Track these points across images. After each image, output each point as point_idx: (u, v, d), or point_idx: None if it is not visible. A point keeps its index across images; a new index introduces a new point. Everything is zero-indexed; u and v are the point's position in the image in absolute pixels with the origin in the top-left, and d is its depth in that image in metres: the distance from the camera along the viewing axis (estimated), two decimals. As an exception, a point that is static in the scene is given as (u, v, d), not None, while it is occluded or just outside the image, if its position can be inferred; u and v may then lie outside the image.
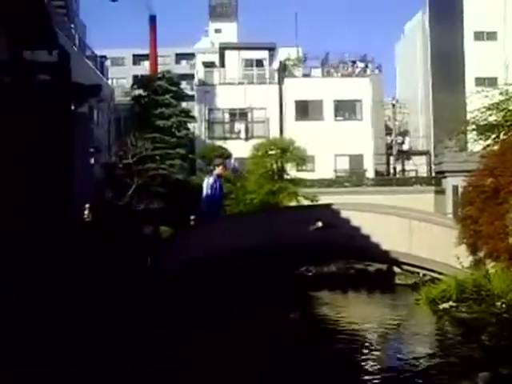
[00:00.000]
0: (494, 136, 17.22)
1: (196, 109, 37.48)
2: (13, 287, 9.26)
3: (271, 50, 38.79)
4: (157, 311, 11.71)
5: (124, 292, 12.03)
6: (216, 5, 56.62)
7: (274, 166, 26.88)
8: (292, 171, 27.27)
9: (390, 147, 42.76)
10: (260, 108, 36.25)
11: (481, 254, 13.40)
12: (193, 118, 35.64)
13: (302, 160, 27.33)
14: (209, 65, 40.19)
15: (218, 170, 18.66)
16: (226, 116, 36.90)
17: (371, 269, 22.60)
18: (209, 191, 18.16)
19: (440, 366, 9.93)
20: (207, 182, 18.34)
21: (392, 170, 41.65)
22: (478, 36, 39.11)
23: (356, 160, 35.59)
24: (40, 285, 9.87)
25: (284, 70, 37.87)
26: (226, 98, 36.32)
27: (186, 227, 19.91)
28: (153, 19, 45.78)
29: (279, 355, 10.12)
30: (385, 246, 15.36)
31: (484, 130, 17.70)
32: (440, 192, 31.34)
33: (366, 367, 10.31)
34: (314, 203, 24.31)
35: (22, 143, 11.39)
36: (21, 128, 11.46)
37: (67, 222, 12.97)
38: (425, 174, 39.42)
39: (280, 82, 37.11)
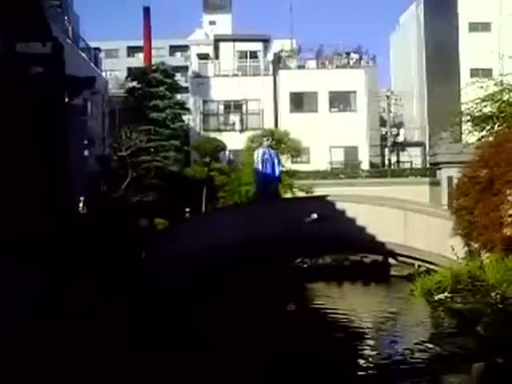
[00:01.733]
0: (488, 127, 17.22)
1: (190, 101, 37.39)
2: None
3: (266, 41, 38.71)
4: (148, 305, 11.68)
5: (117, 286, 11.97)
6: (210, -4, 56.26)
7: (269, 158, 26.87)
8: (287, 163, 27.29)
9: (384, 139, 42.78)
10: (254, 100, 36.17)
11: (476, 245, 13.39)
12: (187, 109, 35.60)
13: (297, 152, 27.36)
14: (203, 57, 40.05)
15: (269, 142, 17.01)
16: (221, 108, 36.83)
17: (366, 260, 22.66)
18: (260, 165, 16.22)
19: (435, 356, 9.95)
20: (257, 154, 16.32)
21: (387, 162, 41.70)
22: (473, 27, 39.05)
23: (351, 152, 35.60)
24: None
25: (278, 62, 37.80)
26: (221, 90, 36.24)
27: (181, 219, 19.91)
28: (147, 11, 45.56)
29: (277, 347, 10.13)
30: (380, 238, 15.34)
31: (479, 121, 17.69)
32: (435, 183, 31.39)
33: (361, 358, 10.33)
34: (309, 195, 24.35)
35: (15, 136, 11.34)
36: (14, 121, 11.40)
37: (62, 216, 12.92)
38: (420, 166, 39.49)
39: (274, 74, 37.04)
